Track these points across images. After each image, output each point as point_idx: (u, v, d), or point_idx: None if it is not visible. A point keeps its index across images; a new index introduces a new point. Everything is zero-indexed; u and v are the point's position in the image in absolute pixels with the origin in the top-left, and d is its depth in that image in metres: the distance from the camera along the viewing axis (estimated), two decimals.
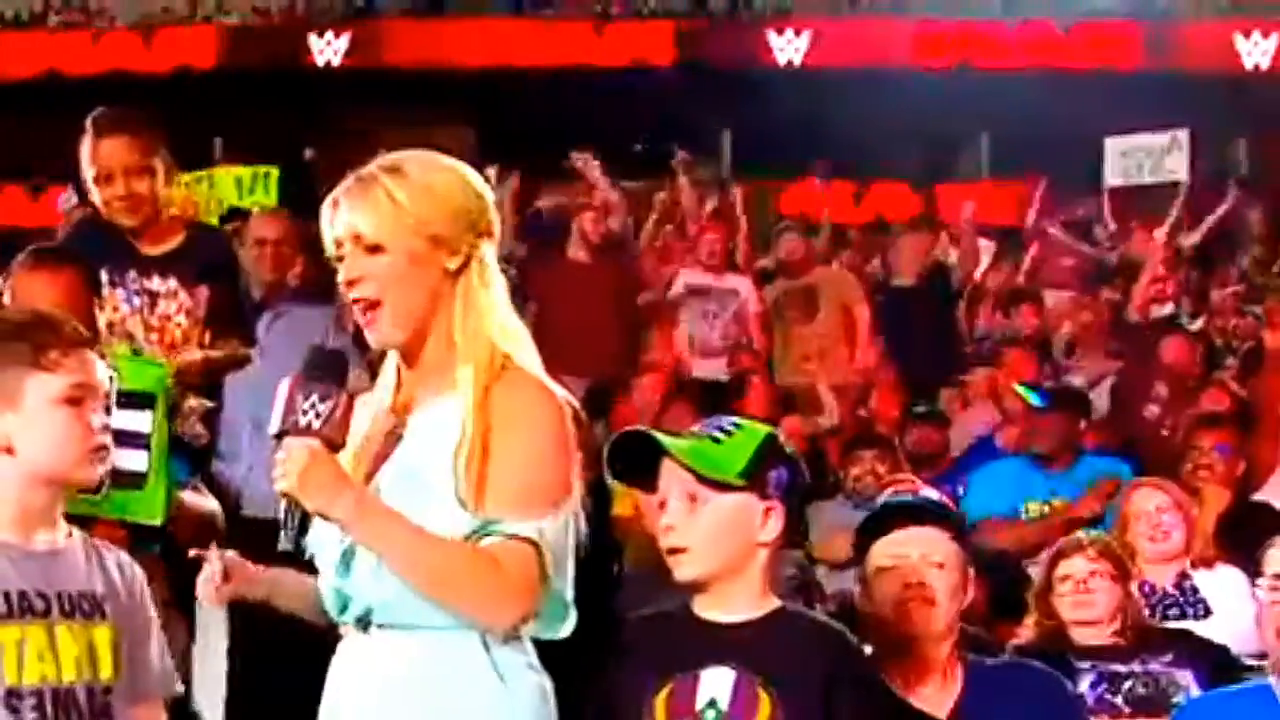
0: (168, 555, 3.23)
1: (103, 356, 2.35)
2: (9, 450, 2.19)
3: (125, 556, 2.34)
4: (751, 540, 2.28)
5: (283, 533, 2.12)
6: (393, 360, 2.26)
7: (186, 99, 10.67)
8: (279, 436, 2.11)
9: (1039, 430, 5.48)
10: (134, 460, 3.29)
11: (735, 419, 2.35)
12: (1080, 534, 3.84)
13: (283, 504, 2.12)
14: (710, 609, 2.31)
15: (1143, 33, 12.64)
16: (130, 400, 3.11)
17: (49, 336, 2.22)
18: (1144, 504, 4.40)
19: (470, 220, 2.21)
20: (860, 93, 11.42)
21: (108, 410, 2.32)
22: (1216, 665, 3.54)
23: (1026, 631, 3.79)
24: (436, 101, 11.72)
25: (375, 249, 2.17)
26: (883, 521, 2.74)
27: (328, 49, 12.29)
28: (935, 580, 2.66)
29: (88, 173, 4.11)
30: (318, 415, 2.09)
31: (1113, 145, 9.51)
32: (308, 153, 7.99)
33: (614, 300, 6.98)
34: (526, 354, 2.22)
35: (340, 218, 2.20)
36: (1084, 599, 3.59)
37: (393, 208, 2.17)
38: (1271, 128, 12.23)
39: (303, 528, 2.13)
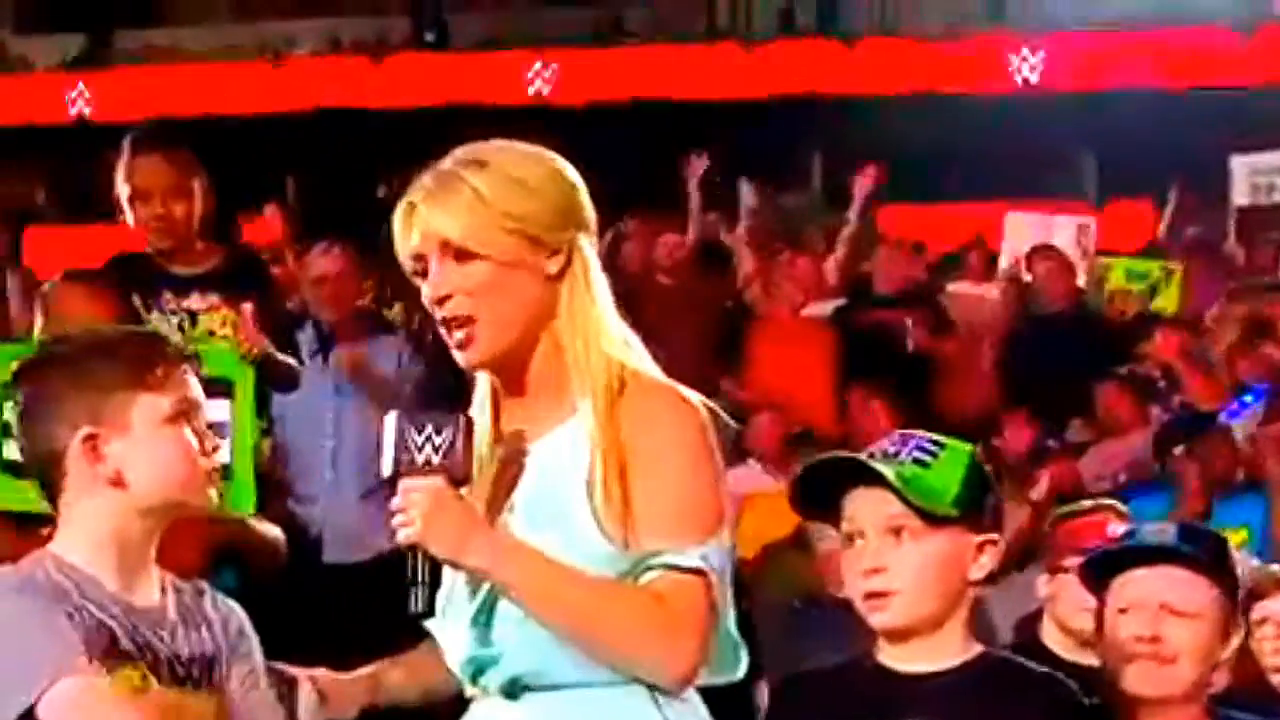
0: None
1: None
2: (118, 482, 1.99)
3: (220, 597, 2.12)
4: (964, 579, 2.02)
5: (411, 591, 1.87)
6: (485, 384, 2.00)
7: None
8: (392, 480, 1.86)
9: None
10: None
11: (932, 435, 2.07)
12: (1276, 568, 3.29)
13: (408, 558, 1.86)
14: (904, 659, 2.03)
15: None
16: (207, 388, 2.83)
17: (150, 352, 2.05)
18: None
19: (568, 214, 1.95)
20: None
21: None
22: None
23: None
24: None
25: (466, 256, 1.90)
26: (1120, 558, 2.29)
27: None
28: (1175, 634, 2.20)
29: (122, 191, 3.94)
30: (435, 449, 1.85)
31: (1241, 163, 9.00)
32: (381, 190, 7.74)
33: None
34: (643, 359, 1.97)
35: (419, 224, 1.93)
36: None
37: (483, 206, 1.90)
38: None
39: (434, 581, 1.89)
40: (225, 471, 3.18)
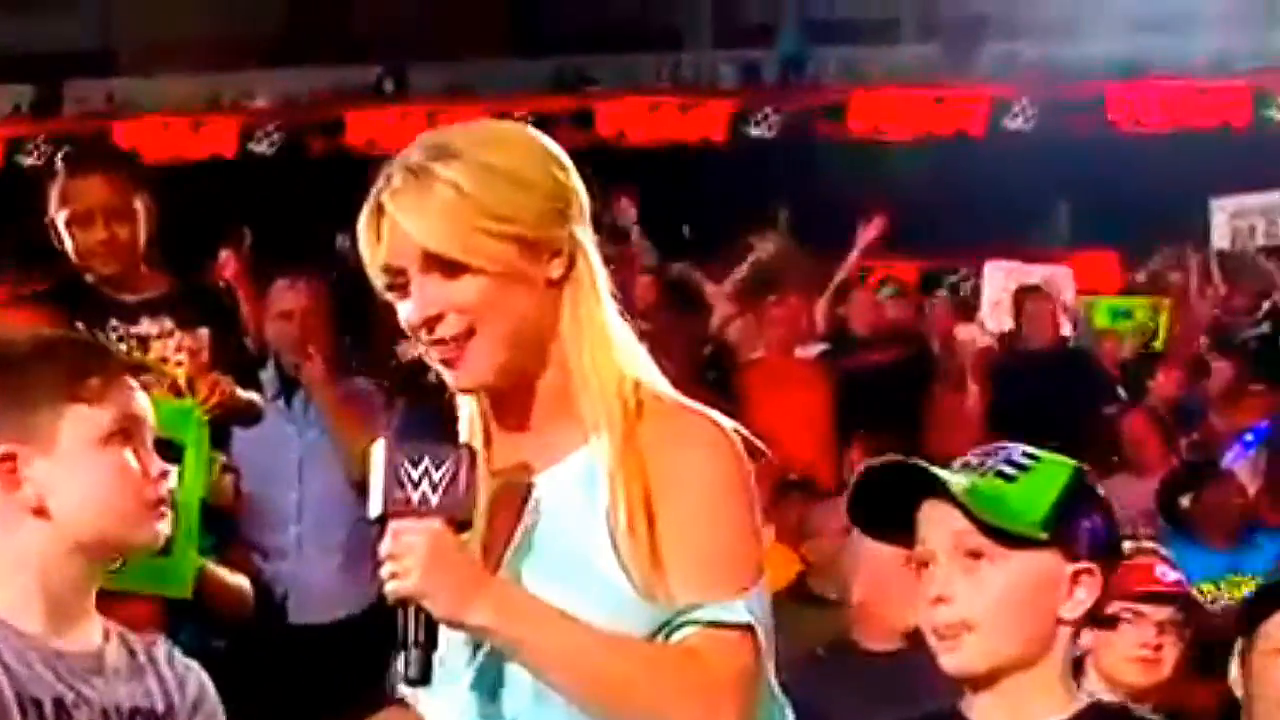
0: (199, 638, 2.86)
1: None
2: (41, 511, 1.70)
3: (179, 654, 1.84)
4: (1053, 615, 1.71)
5: (403, 655, 1.57)
6: (473, 409, 1.70)
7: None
8: (382, 520, 1.57)
9: None
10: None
11: (1028, 448, 1.77)
12: None
13: (399, 615, 1.57)
14: (994, 712, 1.72)
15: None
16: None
17: (86, 358, 1.76)
18: None
19: (564, 205, 1.65)
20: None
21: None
22: None
23: None
24: None
25: (453, 269, 1.60)
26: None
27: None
28: None
29: (58, 216, 3.55)
30: (433, 486, 1.56)
31: (1220, 206, 9.05)
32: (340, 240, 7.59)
33: None
34: (655, 373, 1.70)
35: (390, 232, 1.62)
36: None
37: (465, 207, 1.60)
38: None
39: (430, 640, 1.57)
40: (164, 546, 2.85)
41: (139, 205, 3.55)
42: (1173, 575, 2.89)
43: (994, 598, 1.68)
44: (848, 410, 6.12)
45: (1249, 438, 5.70)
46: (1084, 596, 1.70)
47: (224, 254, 6.65)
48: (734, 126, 11.67)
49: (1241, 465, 5.82)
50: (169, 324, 3.56)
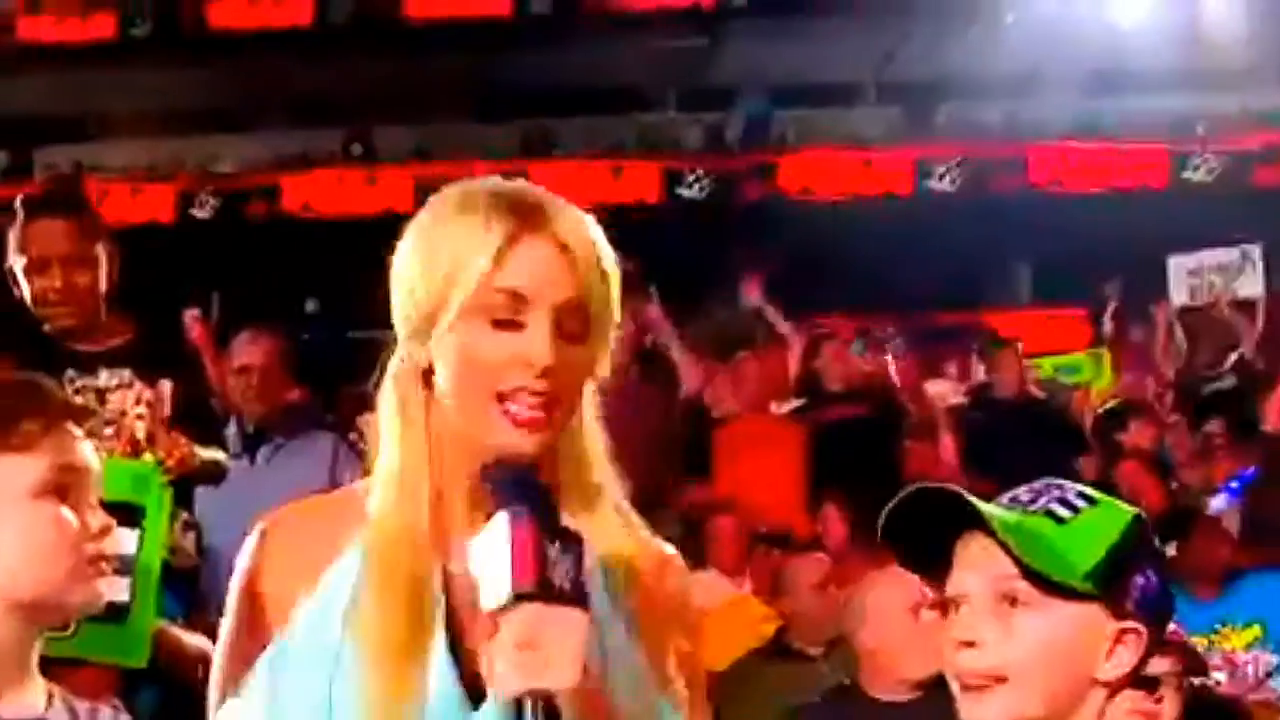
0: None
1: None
2: None
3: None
4: (1089, 675, 1.55)
5: None
6: (419, 478, 1.52)
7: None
8: (519, 600, 1.37)
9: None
10: (113, 588, 2.57)
11: (1083, 488, 1.61)
12: None
13: (520, 706, 1.36)
14: None
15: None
16: (109, 513, 2.40)
17: (23, 404, 1.65)
18: None
19: None
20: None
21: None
22: None
23: None
24: None
25: (585, 333, 1.49)
26: None
27: None
28: None
29: (15, 262, 3.40)
30: (567, 574, 1.39)
31: (1178, 263, 9.02)
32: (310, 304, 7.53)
33: None
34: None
35: (547, 265, 1.48)
36: None
37: (615, 277, 1.51)
38: None
39: None
40: (118, 613, 2.73)
41: (100, 252, 3.40)
42: (1170, 625, 2.84)
43: (1028, 649, 1.52)
44: (822, 465, 6.06)
45: (1234, 484, 5.66)
46: (1126, 659, 1.54)
47: (189, 316, 6.57)
48: (667, 188, 11.75)
49: (1227, 513, 5.83)
50: (128, 375, 3.42)
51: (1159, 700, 2.27)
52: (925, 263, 11.13)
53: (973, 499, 1.54)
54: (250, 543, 1.57)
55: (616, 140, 12.16)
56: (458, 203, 1.51)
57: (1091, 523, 1.55)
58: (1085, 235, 10.73)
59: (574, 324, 1.48)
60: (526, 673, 1.35)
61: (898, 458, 6.35)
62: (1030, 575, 1.51)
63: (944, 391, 7.25)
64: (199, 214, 11.85)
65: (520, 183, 1.53)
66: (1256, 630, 4.59)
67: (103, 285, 3.41)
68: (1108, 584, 1.53)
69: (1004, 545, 1.51)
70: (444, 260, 1.48)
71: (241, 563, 1.57)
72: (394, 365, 1.53)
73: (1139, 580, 1.55)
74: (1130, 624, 1.54)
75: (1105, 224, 10.83)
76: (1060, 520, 1.55)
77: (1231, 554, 4.83)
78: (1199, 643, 4.58)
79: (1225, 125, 12.31)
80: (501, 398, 1.47)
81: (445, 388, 1.50)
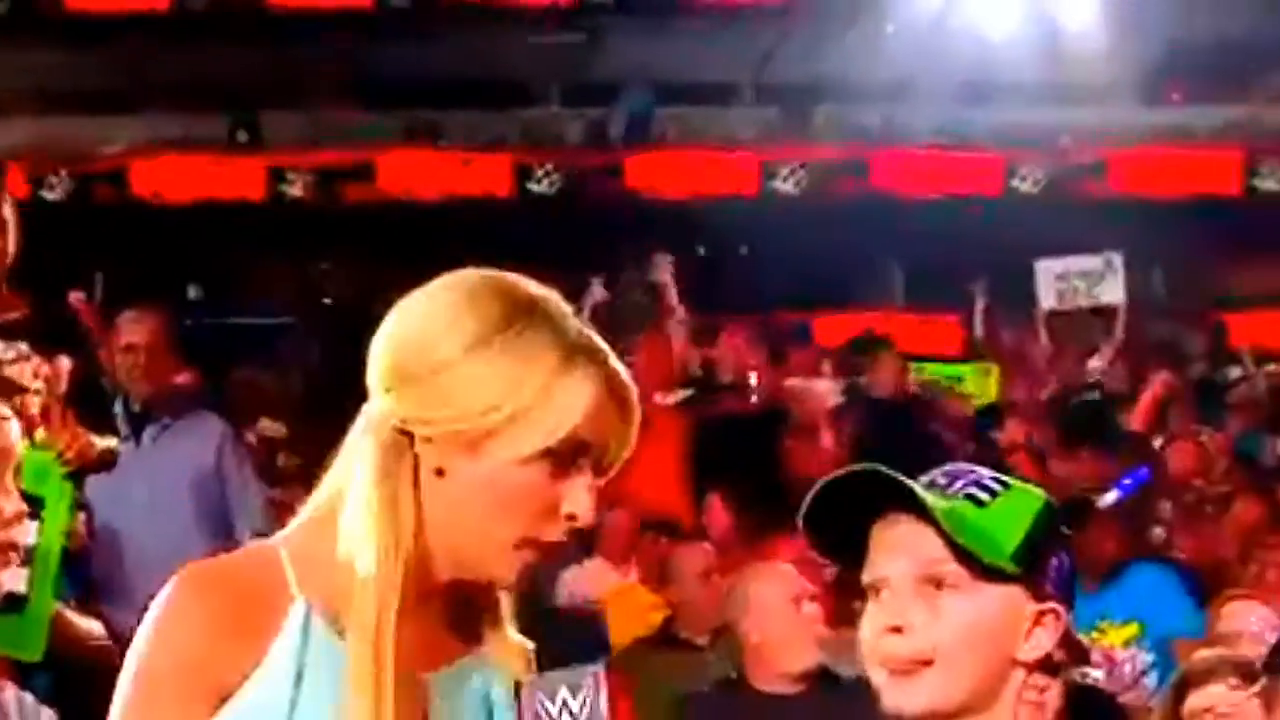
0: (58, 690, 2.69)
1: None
2: None
3: (30, 700, 1.77)
4: (1008, 656, 1.56)
5: None
6: (395, 578, 1.46)
7: None
8: None
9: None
10: (11, 578, 2.62)
11: (997, 474, 1.62)
12: (1209, 653, 3.23)
13: None
14: None
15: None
16: None
17: None
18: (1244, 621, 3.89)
19: None
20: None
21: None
22: None
23: None
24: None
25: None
26: None
27: None
28: None
29: None
30: (572, 716, 1.49)
31: (1046, 268, 9.22)
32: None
33: None
34: None
35: (615, 427, 1.51)
36: None
37: None
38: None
39: None
40: (16, 604, 2.71)
41: (7, 214, 3.30)
42: None
43: (955, 631, 1.52)
44: (706, 457, 6.15)
45: (1127, 481, 5.73)
46: (1044, 639, 1.56)
47: (74, 297, 6.47)
48: (518, 183, 11.82)
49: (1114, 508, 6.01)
50: (23, 348, 3.34)
51: (1044, 690, 2.37)
52: (772, 263, 11.31)
53: (903, 479, 1.54)
54: (176, 596, 1.47)
55: (498, 134, 12.11)
56: (552, 335, 1.46)
57: (1009, 506, 1.56)
58: (952, 240, 10.97)
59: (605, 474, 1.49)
60: None
61: (780, 454, 6.46)
62: (961, 557, 1.51)
63: (823, 390, 7.38)
64: (50, 196, 11.58)
65: (591, 333, 1.51)
66: (1134, 628, 4.71)
67: (11, 248, 3.32)
68: (1029, 565, 1.55)
69: (937, 527, 1.51)
70: (533, 394, 1.43)
71: (166, 617, 1.46)
72: (386, 435, 1.45)
73: (1055, 562, 1.58)
74: (1049, 605, 1.56)
75: (971, 229, 11.07)
76: (980, 503, 1.55)
77: (1116, 548, 4.97)
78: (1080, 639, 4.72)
79: (1089, 138, 12.67)
80: (525, 542, 1.46)
81: (457, 504, 1.44)
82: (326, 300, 11.04)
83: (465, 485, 1.43)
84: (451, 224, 10.56)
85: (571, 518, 1.46)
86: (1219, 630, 3.90)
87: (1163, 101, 12.92)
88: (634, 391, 1.50)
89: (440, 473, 1.44)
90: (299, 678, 1.42)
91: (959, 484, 1.57)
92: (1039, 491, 1.61)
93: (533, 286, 1.49)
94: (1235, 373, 9.55)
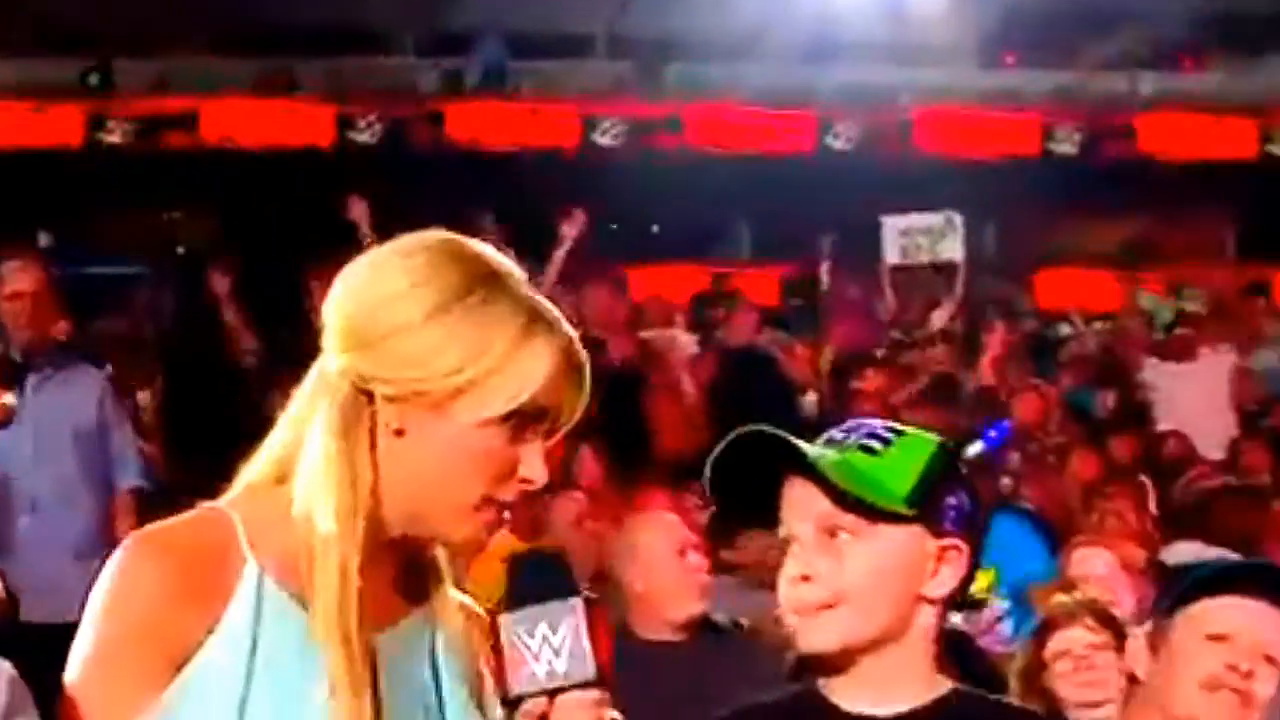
0: None
1: None
2: None
3: None
4: (915, 593, 1.65)
5: None
6: (354, 540, 1.48)
7: None
8: (513, 703, 1.45)
9: None
10: None
11: (891, 424, 1.72)
12: (1066, 598, 3.40)
13: None
14: (855, 695, 1.66)
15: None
16: None
17: None
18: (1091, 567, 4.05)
19: None
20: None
21: None
22: None
23: None
24: None
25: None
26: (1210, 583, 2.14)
27: None
28: (1262, 680, 2.06)
29: None
30: (555, 652, 1.44)
31: (891, 224, 9.49)
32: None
33: None
34: None
35: (572, 399, 1.55)
36: (1090, 677, 3.09)
37: None
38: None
39: None
40: None
41: None
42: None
43: (858, 573, 1.61)
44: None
45: (993, 434, 5.87)
46: (949, 574, 1.64)
47: None
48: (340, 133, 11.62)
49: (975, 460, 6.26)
50: None
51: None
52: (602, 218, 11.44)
53: (791, 438, 1.63)
54: (127, 561, 1.46)
55: (352, 82, 12.00)
56: (512, 303, 1.49)
57: (902, 452, 1.65)
58: (796, 195, 11.19)
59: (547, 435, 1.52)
60: None
61: (645, 404, 6.64)
62: (851, 505, 1.60)
63: (681, 340, 7.57)
64: None
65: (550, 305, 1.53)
66: (990, 575, 4.95)
67: None
68: (923, 505, 1.63)
69: (822, 479, 1.60)
70: (496, 359, 1.46)
71: (119, 583, 1.45)
72: (345, 394, 1.47)
73: (951, 500, 1.65)
74: (950, 541, 1.65)
75: (816, 184, 11.29)
76: (873, 452, 1.65)
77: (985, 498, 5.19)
78: None
79: (926, 98, 12.99)
80: (485, 502, 1.50)
81: (416, 464, 1.47)
82: (180, 249, 10.88)
83: (426, 446, 1.46)
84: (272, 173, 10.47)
85: (527, 481, 1.50)
86: (1069, 575, 4.08)
87: (997, 65, 13.34)
88: (587, 359, 1.54)
89: (400, 433, 1.46)
90: (254, 639, 1.44)
91: (853, 436, 1.67)
92: (933, 437, 1.70)
93: (489, 252, 1.53)
94: (1065, 330, 10.01)
